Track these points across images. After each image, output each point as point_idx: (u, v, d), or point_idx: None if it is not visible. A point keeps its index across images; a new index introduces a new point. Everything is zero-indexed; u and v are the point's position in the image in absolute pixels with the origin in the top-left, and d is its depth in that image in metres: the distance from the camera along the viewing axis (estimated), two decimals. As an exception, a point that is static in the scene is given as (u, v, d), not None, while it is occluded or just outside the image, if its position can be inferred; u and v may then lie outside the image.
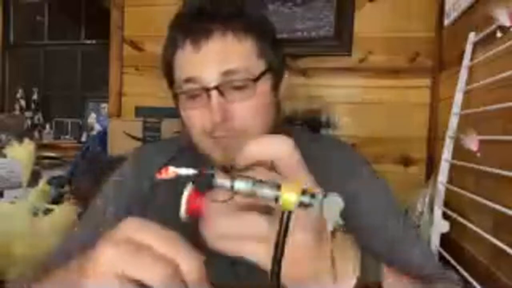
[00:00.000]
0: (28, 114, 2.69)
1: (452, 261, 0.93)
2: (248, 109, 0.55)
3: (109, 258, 0.29)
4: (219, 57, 0.54)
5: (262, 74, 0.56)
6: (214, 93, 0.53)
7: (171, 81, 0.60)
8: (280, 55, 0.60)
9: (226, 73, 0.53)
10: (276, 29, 0.62)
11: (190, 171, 0.33)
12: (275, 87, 0.60)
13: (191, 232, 0.33)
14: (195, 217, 0.33)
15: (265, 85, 0.57)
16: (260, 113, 0.56)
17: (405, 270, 0.54)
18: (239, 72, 0.54)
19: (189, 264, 0.29)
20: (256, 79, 0.54)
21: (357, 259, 0.36)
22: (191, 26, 0.54)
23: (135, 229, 0.30)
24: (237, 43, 0.54)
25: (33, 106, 2.72)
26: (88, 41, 2.77)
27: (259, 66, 0.56)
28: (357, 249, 0.37)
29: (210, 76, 0.53)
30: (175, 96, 0.59)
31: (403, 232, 0.58)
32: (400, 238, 0.57)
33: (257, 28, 0.56)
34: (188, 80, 0.55)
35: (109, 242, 0.29)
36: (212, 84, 0.53)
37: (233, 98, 0.54)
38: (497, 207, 0.75)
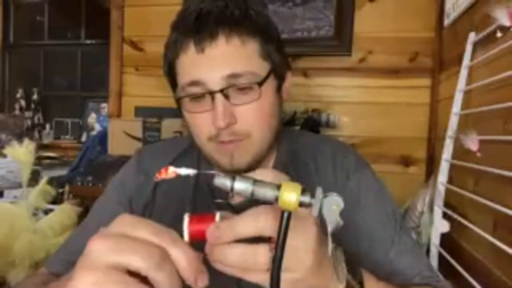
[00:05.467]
0: (28, 114, 2.68)
1: (452, 261, 0.93)
2: (252, 112, 0.54)
3: (99, 248, 0.29)
4: (224, 60, 0.53)
5: (267, 76, 0.55)
6: (219, 96, 0.52)
7: (174, 85, 0.59)
8: (284, 56, 0.60)
9: (231, 76, 0.52)
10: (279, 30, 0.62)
11: (190, 171, 0.33)
12: (279, 88, 0.60)
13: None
14: (200, 240, 0.34)
15: (269, 87, 0.56)
16: (265, 116, 0.56)
17: (395, 276, 0.54)
18: (244, 75, 0.53)
19: (178, 251, 0.30)
20: (261, 83, 0.54)
21: (343, 265, 0.37)
22: (195, 28, 0.53)
23: (127, 224, 0.31)
24: (242, 46, 0.53)
25: (33, 106, 2.72)
26: (88, 41, 2.76)
27: (264, 68, 0.55)
28: (342, 255, 0.38)
29: (215, 79, 0.52)
30: (179, 100, 0.58)
31: (397, 238, 0.58)
32: (394, 245, 0.57)
33: (261, 30, 0.56)
34: (192, 83, 0.54)
35: (101, 235, 0.30)
36: (217, 88, 0.52)
37: (238, 101, 0.54)
38: (497, 207, 0.75)
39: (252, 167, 0.58)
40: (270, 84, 0.57)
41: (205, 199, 0.61)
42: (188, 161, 0.66)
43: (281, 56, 0.59)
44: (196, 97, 0.55)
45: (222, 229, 0.33)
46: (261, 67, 0.55)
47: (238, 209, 0.34)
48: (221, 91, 0.52)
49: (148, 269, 0.28)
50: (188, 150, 0.68)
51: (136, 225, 0.31)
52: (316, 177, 0.62)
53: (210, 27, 0.52)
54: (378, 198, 0.61)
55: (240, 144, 0.55)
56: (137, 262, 0.28)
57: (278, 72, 0.58)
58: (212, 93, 0.53)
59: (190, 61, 0.54)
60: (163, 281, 0.28)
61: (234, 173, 0.57)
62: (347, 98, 1.58)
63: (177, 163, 0.65)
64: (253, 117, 0.54)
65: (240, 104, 0.54)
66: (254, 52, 0.55)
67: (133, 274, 0.28)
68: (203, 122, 0.55)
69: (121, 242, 0.29)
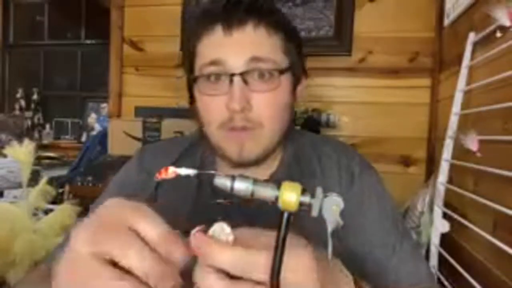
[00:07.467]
0: (28, 114, 2.68)
1: (452, 261, 0.93)
2: (268, 101, 0.54)
3: (82, 236, 0.30)
4: (249, 44, 0.54)
5: (287, 68, 0.56)
6: (237, 79, 0.53)
7: (190, 68, 0.59)
8: (301, 59, 0.61)
9: (254, 59, 0.53)
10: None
11: (190, 171, 0.33)
12: (294, 88, 0.60)
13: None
14: None
15: (287, 81, 0.57)
16: (278, 109, 0.56)
17: (395, 284, 0.54)
18: (266, 61, 0.54)
19: (147, 225, 0.30)
20: (282, 71, 0.55)
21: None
22: (224, 14, 0.54)
23: (112, 209, 0.32)
24: (268, 36, 0.55)
25: (33, 106, 2.72)
26: (88, 41, 2.77)
27: (284, 62, 0.57)
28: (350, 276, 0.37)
29: (238, 61, 0.53)
30: (193, 82, 0.58)
31: (399, 245, 0.58)
32: (396, 252, 0.57)
33: (285, 28, 0.57)
34: (213, 63, 0.54)
35: (85, 222, 0.31)
36: (238, 71, 0.53)
37: (256, 87, 0.54)
38: (497, 207, 0.75)
39: (259, 161, 0.58)
40: (288, 79, 0.58)
41: (207, 199, 0.61)
42: (190, 160, 0.66)
43: (300, 58, 0.60)
44: (213, 79, 0.55)
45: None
46: (282, 60, 0.56)
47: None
48: (241, 74, 0.53)
49: (126, 257, 0.28)
50: (190, 150, 0.67)
51: (119, 208, 0.32)
52: (320, 178, 0.62)
53: (239, 15, 0.54)
54: (381, 201, 0.61)
55: (251, 133, 0.55)
56: (112, 251, 0.29)
57: (296, 72, 0.59)
58: (231, 75, 0.53)
59: (215, 42, 0.55)
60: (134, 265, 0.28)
61: (241, 165, 0.57)
62: (347, 98, 1.58)
63: (179, 162, 0.64)
64: (267, 106, 0.54)
65: (257, 91, 0.54)
66: (277, 45, 0.56)
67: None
68: (216, 107, 0.55)
69: (102, 230, 0.30)
